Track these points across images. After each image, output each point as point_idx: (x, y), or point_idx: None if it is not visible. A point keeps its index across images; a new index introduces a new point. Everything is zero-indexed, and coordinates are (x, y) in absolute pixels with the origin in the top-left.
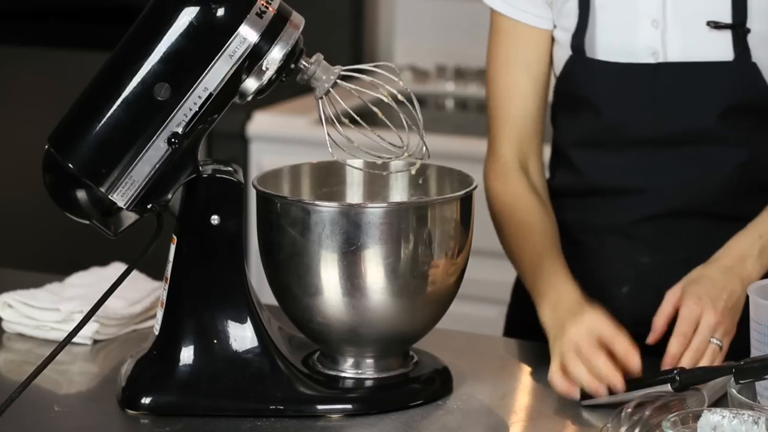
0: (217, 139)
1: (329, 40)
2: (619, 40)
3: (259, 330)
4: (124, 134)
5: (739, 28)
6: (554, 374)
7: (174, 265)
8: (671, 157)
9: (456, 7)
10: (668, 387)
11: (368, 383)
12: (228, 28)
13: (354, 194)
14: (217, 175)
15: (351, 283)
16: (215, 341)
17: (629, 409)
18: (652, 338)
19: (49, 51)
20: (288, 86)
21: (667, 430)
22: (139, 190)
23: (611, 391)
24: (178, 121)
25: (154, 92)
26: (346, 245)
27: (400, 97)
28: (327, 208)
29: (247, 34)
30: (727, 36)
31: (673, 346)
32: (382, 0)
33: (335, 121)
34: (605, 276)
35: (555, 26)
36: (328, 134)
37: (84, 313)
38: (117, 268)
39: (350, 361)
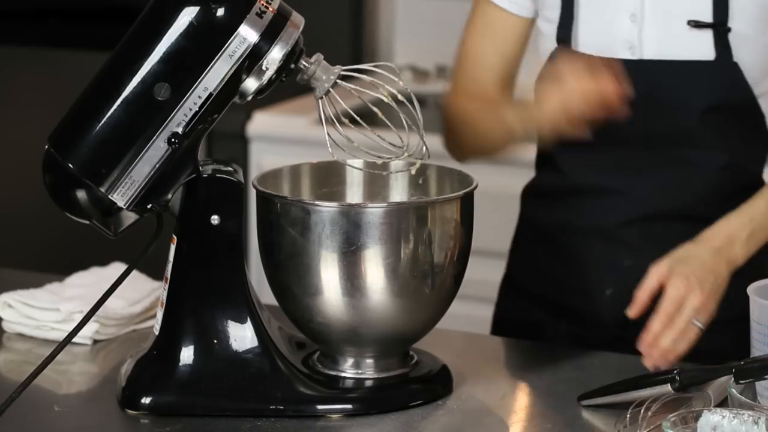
0: (217, 139)
1: (329, 40)
2: (598, 33)
3: (259, 330)
4: (124, 134)
5: (720, 27)
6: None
7: (174, 265)
8: (652, 159)
9: (456, 7)
10: (668, 387)
11: (368, 383)
12: (228, 28)
13: (354, 194)
14: (217, 175)
15: (351, 283)
16: (215, 341)
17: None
18: (633, 312)
19: (49, 51)
20: (288, 86)
21: (667, 430)
22: (139, 190)
23: (611, 392)
24: (178, 121)
25: (154, 92)
26: (346, 245)
27: (400, 97)
28: (327, 208)
29: (247, 34)
30: (708, 35)
31: (656, 324)
32: (382, 0)
33: (335, 121)
34: (589, 279)
35: (538, 16)
36: (328, 134)
37: (84, 313)
38: (117, 268)
39: (350, 361)
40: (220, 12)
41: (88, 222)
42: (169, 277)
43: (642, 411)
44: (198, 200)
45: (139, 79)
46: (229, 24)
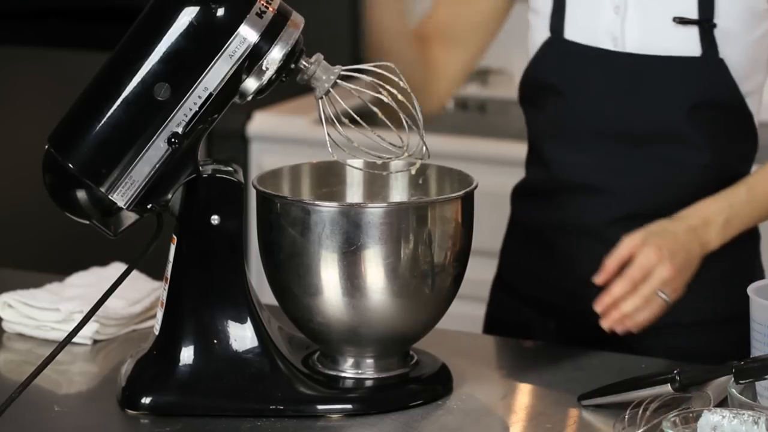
0: (217, 139)
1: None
2: (583, 23)
3: (259, 330)
4: (124, 134)
5: (705, 23)
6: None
7: (174, 265)
8: (636, 156)
9: None
10: (668, 387)
11: (368, 383)
12: (228, 28)
13: (354, 194)
14: (217, 175)
15: (351, 283)
16: (215, 341)
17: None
18: (600, 278)
19: (49, 51)
20: (288, 86)
21: (667, 430)
22: (139, 190)
23: (611, 392)
24: (178, 121)
25: (154, 92)
26: (346, 245)
27: (400, 97)
28: (327, 208)
29: (247, 34)
30: (693, 32)
31: (617, 287)
32: None
33: (335, 121)
34: (575, 278)
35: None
36: (328, 134)
37: (84, 313)
38: (117, 268)
39: (350, 361)
40: (220, 12)
41: (88, 222)
42: (169, 277)
43: (640, 411)
44: (198, 200)
45: (139, 79)
46: (229, 24)
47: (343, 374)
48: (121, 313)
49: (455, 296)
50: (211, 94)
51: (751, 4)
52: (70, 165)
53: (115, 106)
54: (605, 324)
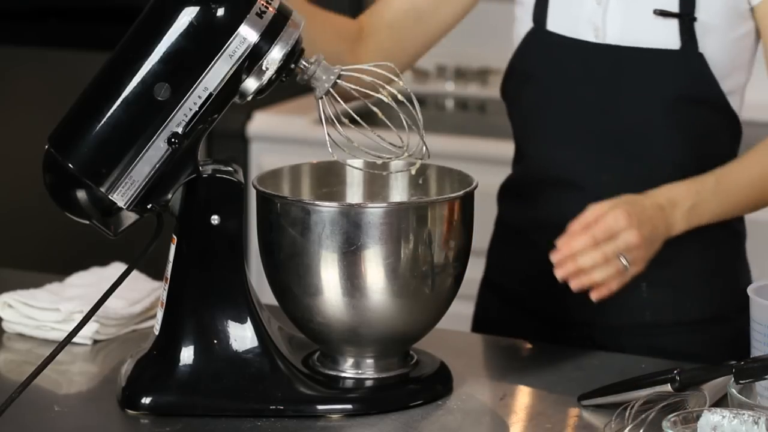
0: (217, 139)
1: None
2: (566, 13)
3: (259, 330)
4: (124, 134)
5: (685, 16)
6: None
7: (174, 265)
8: (614, 151)
9: None
10: (668, 387)
11: (368, 383)
12: (228, 28)
13: (354, 194)
14: (217, 175)
15: (351, 283)
16: (215, 341)
17: (631, 409)
18: (561, 242)
19: (49, 51)
20: (288, 86)
21: (667, 430)
22: (139, 190)
23: (611, 392)
24: (178, 121)
25: (154, 92)
26: (346, 245)
27: (400, 97)
28: (327, 208)
29: (247, 34)
30: (673, 24)
31: (578, 241)
32: None
33: (335, 121)
34: (555, 278)
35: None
36: (328, 134)
37: (84, 313)
38: (117, 268)
39: (350, 361)
40: (220, 12)
41: (88, 222)
42: (169, 277)
43: (633, 411)
44: (198, 200)
45: (139, 79)
46: (229, 24)
47: (343, 374)
48: (121, 313)
49: (455, 296)
50: (211, 94)
51: (734, 2)
52: (70, 165)
53: (115, 106)
54: (559, 274)
